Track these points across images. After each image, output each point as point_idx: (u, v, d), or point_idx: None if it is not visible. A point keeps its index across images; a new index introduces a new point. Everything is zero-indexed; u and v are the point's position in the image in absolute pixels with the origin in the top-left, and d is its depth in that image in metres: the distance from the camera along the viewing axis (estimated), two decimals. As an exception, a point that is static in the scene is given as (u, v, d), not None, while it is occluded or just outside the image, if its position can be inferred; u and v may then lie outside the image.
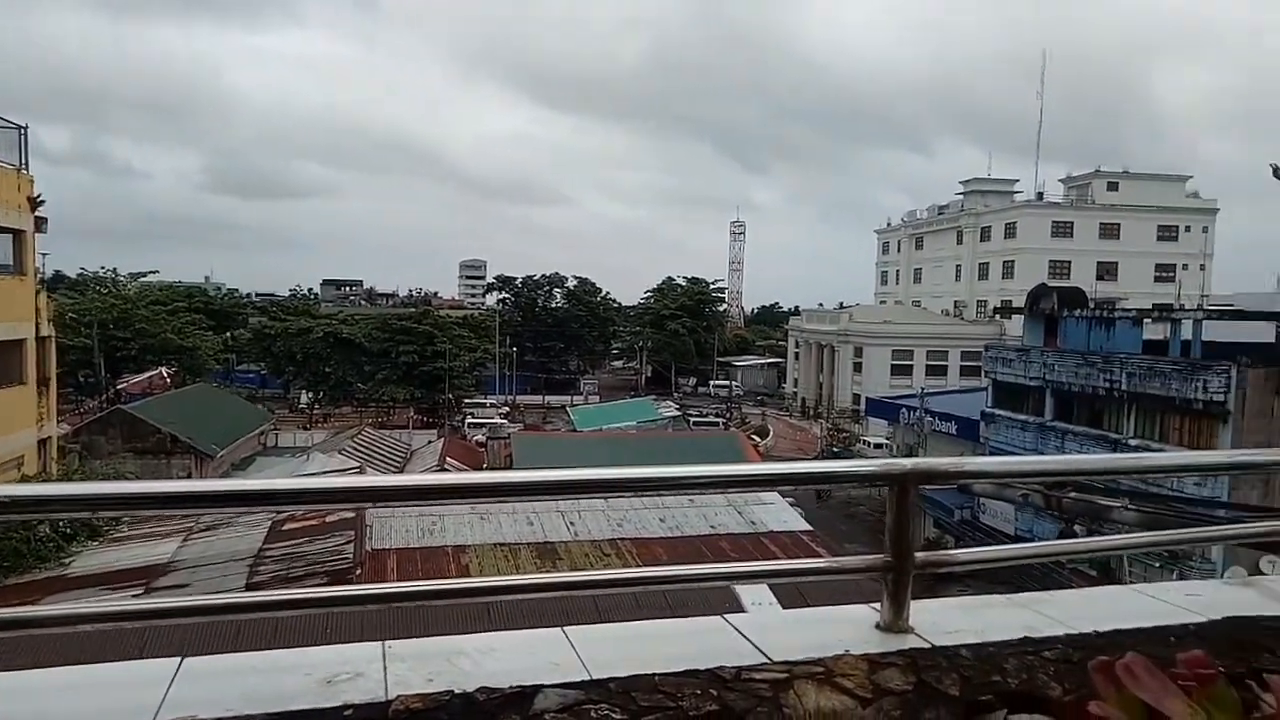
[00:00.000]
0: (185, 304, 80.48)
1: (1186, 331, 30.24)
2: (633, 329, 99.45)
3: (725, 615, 2.45)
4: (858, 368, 72.80)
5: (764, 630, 2.35)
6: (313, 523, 17.06)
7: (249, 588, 13.18)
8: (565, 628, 2.32)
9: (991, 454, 34.39)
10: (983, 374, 40.83)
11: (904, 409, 46.67)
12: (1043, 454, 31.19)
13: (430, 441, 47.14)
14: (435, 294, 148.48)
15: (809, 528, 19.44)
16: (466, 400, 73.39)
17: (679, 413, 63.93)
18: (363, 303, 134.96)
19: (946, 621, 2.41)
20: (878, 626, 2.38)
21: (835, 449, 56.44)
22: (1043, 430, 34.45)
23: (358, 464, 32.94)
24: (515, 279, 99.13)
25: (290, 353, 74.02)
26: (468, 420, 63.73)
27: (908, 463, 2.34)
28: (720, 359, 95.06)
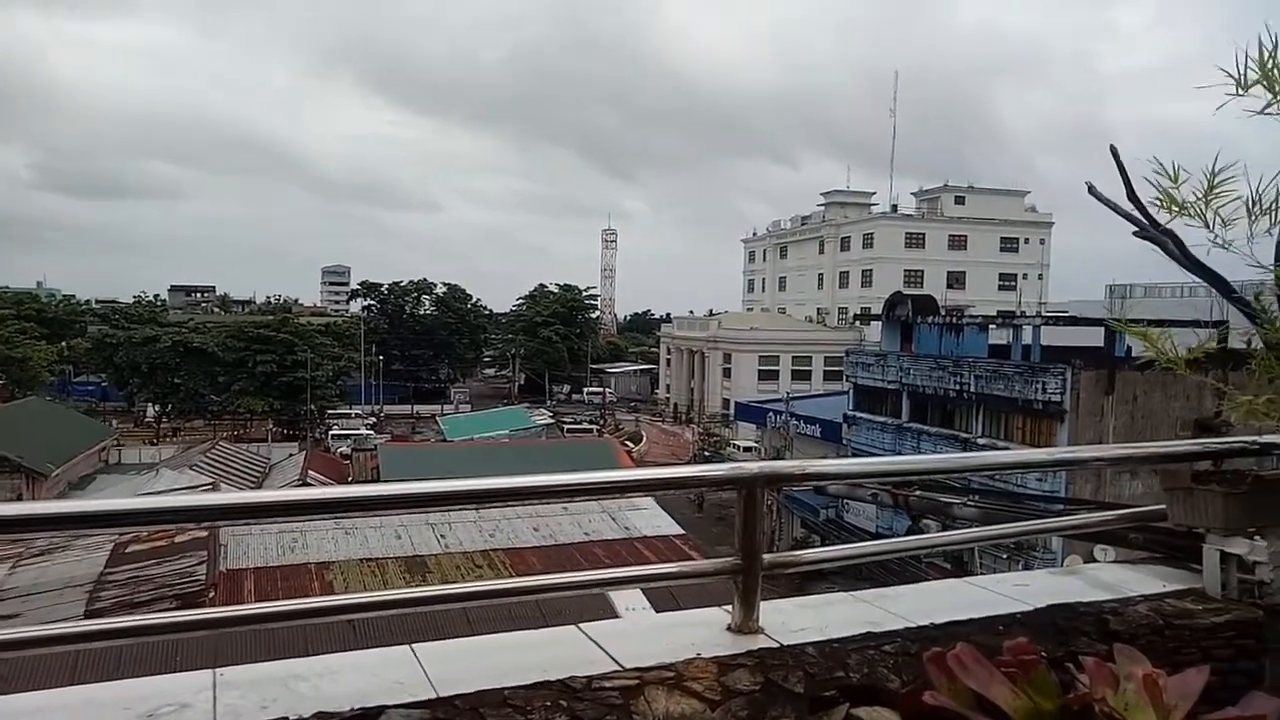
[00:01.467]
0: (13, 311, 74.20)
1: (1027, 336, 32.48)
2: (505, 336, 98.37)
3: (580, 624, 2.44)
4: (727, 373, 74.41)
5: (618, 638, 2.35)
6: (161, 543, 16.00)
7: (88, 615, 12.24)
8: (414, 645, 2.25)
9: (853, 454, 35.83)
10: (844, 378, 42.49)
11: (771, 413, 48.00)
12: (900, 453, 32.76)
13: (291, 455, 45.19)
14: (296, 301, 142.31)
15: (682, 532, 19.68)
16: (330, 411, 70.66)
17: (553, 420, 63.64)
18: (216, 310, 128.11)
19: (795, 620, 2.48)
20: (729, 629, 2.41)
21: (707, 453, 57.41)
22: (900, 431, 36.15)
23: (211, 480, 31.17)
24: (381, 285, 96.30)
25: (135, 363, 69.23)
26: (332, 432, 61.41)
27: (754, 466, 2.39)
28: (594, 366, 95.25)
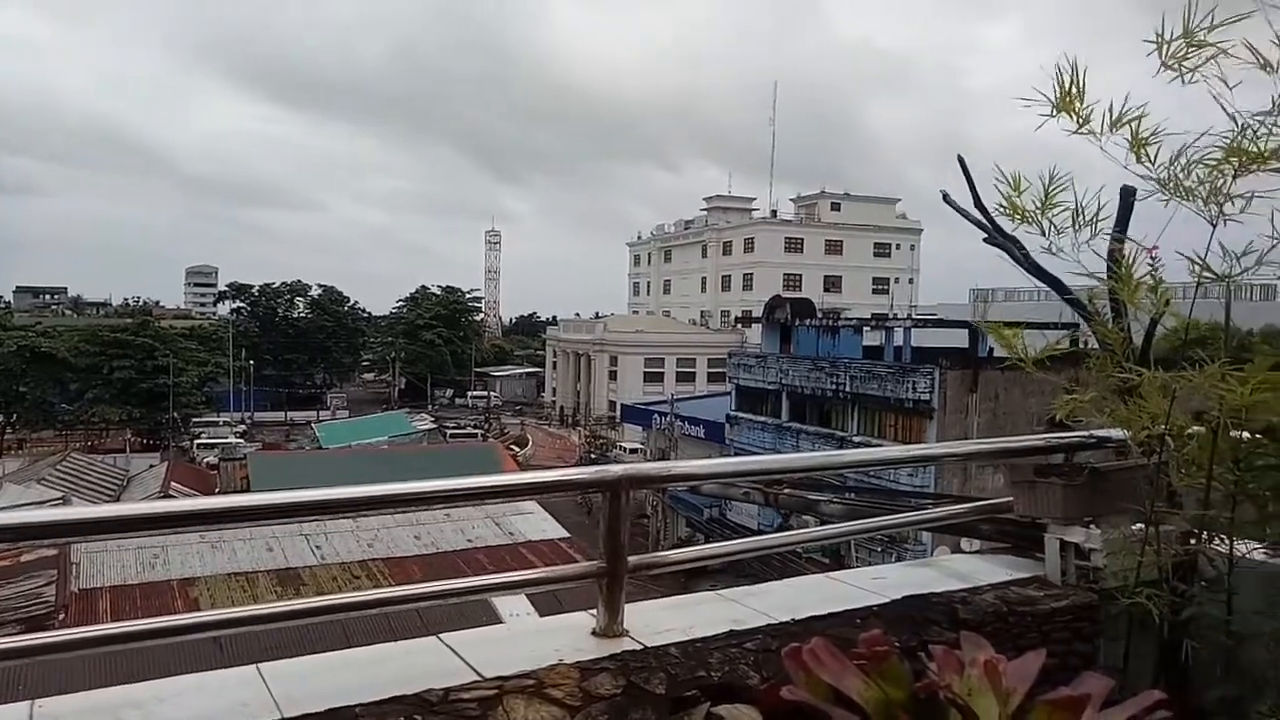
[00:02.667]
0: None
1: (899, 338, 33.95)
2: (385, 340, 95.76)
3: (441, 635, 2.37)
4: (613, 376, 74.69)
5: (480, 647, 2.30)
6: (5, 563, 14.82)
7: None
8: (260, 664, 2.14)
9: (735, 454, 36.52)
10: (727, 379, 43.30)
11: (656, 415, 48.46)
12: (780, 452, 33.60)
13: (152, 466, 42.69)
14: (157, 303, 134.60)
15: (567, 535, 19.62)
16: (196, 420, 67.10)
17: (435, 426, 62.35)
18: (67, 312, 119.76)
19: (661, 622, 2.48)
20: (594, 633, 2.39)
21: (593, 455, 57.45)
22: (780, 430, 37.12)
23: (61, 494, 29.09)
24: (252, 287, 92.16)
25: (-27, 370, 64.01)
26: (198, 441, 58.32)
27: (618, 469, 2.38)
28: (478, 369, 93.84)
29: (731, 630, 2.43)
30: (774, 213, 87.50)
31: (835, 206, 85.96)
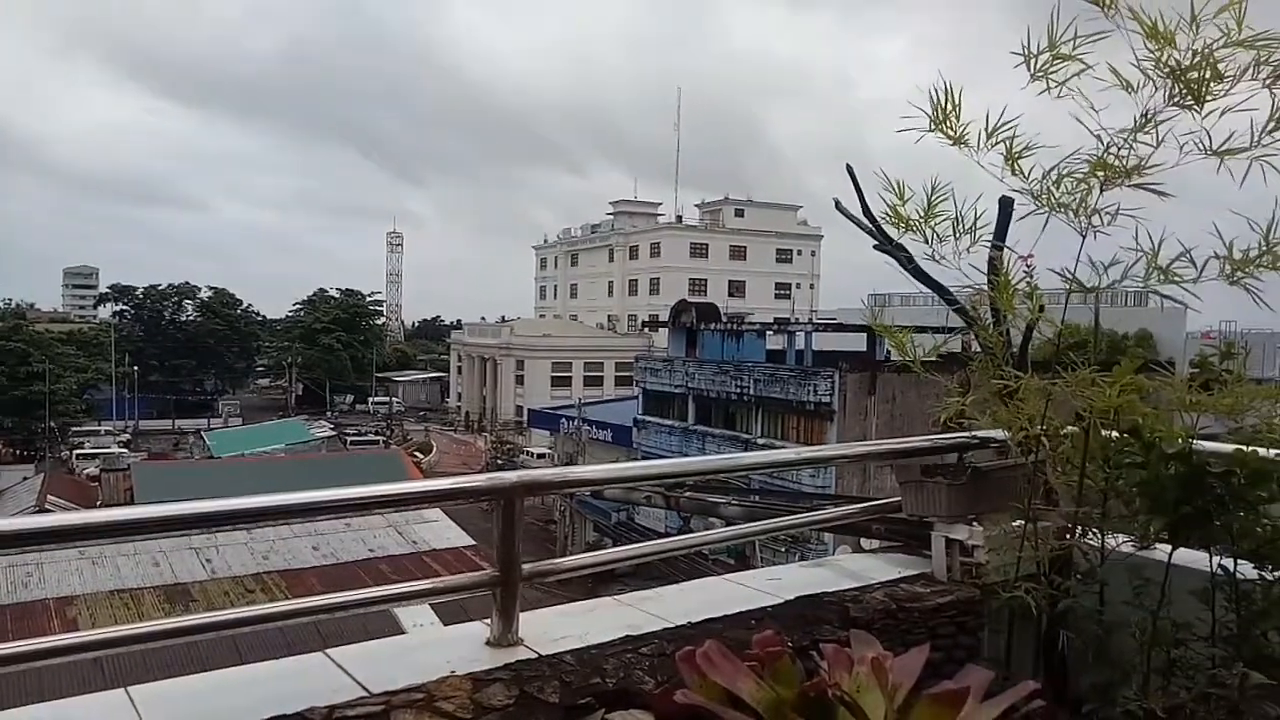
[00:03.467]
0: None
1: (800, 342, 34.77)
2: (281, 344, 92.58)
3: (327, 650, 2.29)
4: (520, 380, 74.10)
5: (368, 661, 2.23)
6: None
7: None
8: (131, 687, 2.02)
9: (643, 457, 36.71)
10: (634, 383, 43.49)
11: (564, 419, 48.30)
12: (687, 454, 33.93)
13: (26, 478, 40.15)
14: (31, 305, 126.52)
15: (473, 543, 19.32)
16: (75, 429, 63.47)
17: (334, 433, 60.60)
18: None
19: (556, 629, 2.46)
20: (488, 642, 2.35)
21: (500, 461, 56.85)
22: (686, 433, 37.50)
23: (-79, 511, 27.06)
24: (136, 289, 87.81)
25: None
26: (77, 452, 55.14)
27: (512, 476, 2.35)
28: (380, 375, 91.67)
29: (627, 635, 2.42)
30: (679, 218, 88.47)
31: (739, 213, 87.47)
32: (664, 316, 46.09)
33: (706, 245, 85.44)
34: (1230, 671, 2.63)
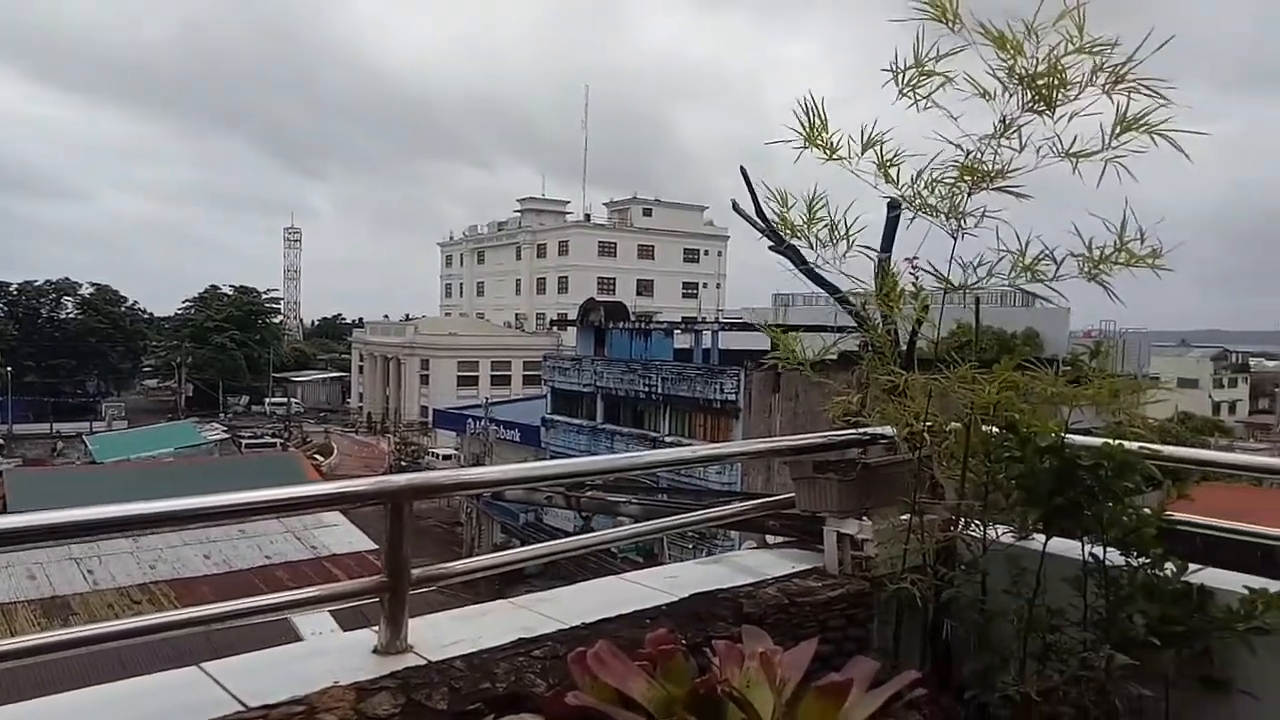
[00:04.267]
0: None
1: (707, 341, 35.18)
2: (170, 343, 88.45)
3: (203, 664, 2.19)
4: (425, 380, 72.74)
5: (247, 674, 2.14)
6: None
7: None
8: (-20, 714, 1.88)
9: (551, 456, 36.52)
10: (542, 382, 43.25)
11: (471, 419, 47.68)
12: (595, 453, 33.93)
13: (-116, 488, 37.23)
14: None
15: (375, 547, 18.86)
16: (-58, 434, 59.37)
17: (228, 436, 58.28)
18: None
19: (448, 634, 2.41)
20: (375, 650, 2.29)
21: (404, 463, 55.73)
22: (595, 432, 37.50)
23: None
24: (9, 284, 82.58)
25: None
26: (-56, 458, 51.58)
27: (401, 479, 2.30)
28: (277, 375, 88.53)
29: (520, 638, 2.39)
30: (588, 217, 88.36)
31: (647, 212, 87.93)
32: (572, 315, 46.01)
33: (615, 244, 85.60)
34: (1098, 654, 2.77)
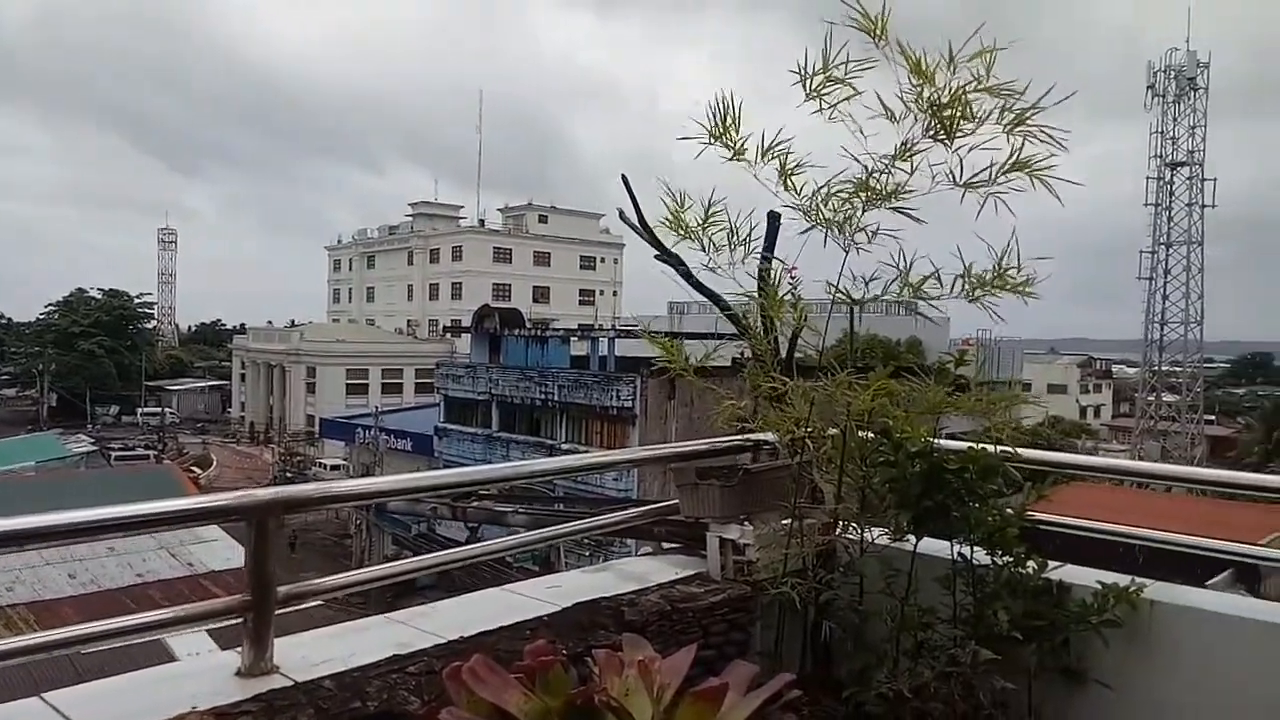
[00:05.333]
0: None
1: (604, 348, 35.22)
2: (30, 349, 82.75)
3: (46, 694, 2.04)
4: (311, 388, 70.29)
5: (97, 702, 2.00)
6: None
7: None
8: None
9: (444, 465, 35.87)
10: (435, 390, 42.44)
11: (360, 428, 46.35)
12: (490, 462, 33.44)
13: None
14: None
15: (256, 562, 18.02)
16: None
17: (96, 448, 54.90)
18: None
19: (317, 653, 2.32)
20: (238, 673, 2.18)
21: (289, 474, 53.69)
22: (490, 440, 37.01)
23: None
24: None
25: None
26: None
27: (266, 493, 2.20)
28: (151, 383, 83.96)
29: (394, 655, 2.32)
30: (482, 222, 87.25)
31: (543, 219, 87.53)
32: (466, 322, 45.30)
33: (510, 250, 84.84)
34: (965, 650, 2.89)
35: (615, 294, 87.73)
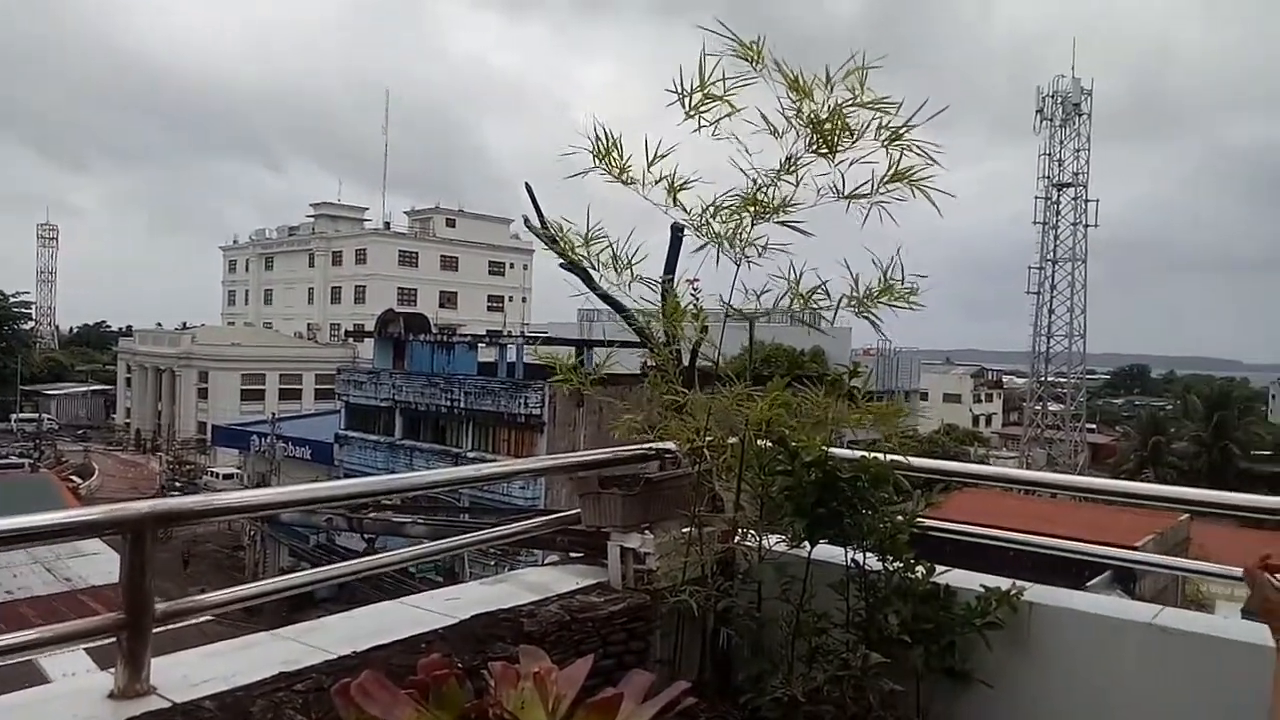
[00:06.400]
0: None
1: (512, 355, 34.91)
2: (-108, 351, 77.10)
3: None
4: (203, 394, 67.47)
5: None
6: None
7: None
8: None
9: (345, 475, 34.88)
10: (336, 397, 41.29)
11: (256, 436, 44.74)
12: (394, 471, 32.72)
13: None
14: None
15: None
16: None
17: (-36, 455, 51.41)
18: None
19: (198, 672, 2.22)
20: (111, 695, 2.07)
21: (178, 484, 51.38)
22: (393, 448, 36.20)
23: None
24: None
25: None
26: None
27: (143, 506, 2.10)
28: (26, 387, 79.14)
29: (281, 672, 2.24)
30: (387, 224, 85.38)
31: (450, 223, 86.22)
32: (370, 326, 44.26)
33: (416, 254, 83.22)
34: (856, 654, 2.97)
35: (525, 300, 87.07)
